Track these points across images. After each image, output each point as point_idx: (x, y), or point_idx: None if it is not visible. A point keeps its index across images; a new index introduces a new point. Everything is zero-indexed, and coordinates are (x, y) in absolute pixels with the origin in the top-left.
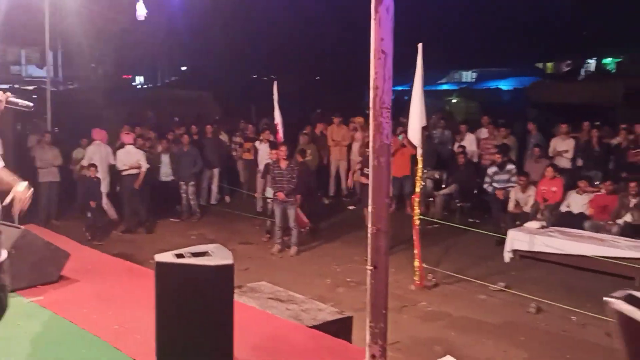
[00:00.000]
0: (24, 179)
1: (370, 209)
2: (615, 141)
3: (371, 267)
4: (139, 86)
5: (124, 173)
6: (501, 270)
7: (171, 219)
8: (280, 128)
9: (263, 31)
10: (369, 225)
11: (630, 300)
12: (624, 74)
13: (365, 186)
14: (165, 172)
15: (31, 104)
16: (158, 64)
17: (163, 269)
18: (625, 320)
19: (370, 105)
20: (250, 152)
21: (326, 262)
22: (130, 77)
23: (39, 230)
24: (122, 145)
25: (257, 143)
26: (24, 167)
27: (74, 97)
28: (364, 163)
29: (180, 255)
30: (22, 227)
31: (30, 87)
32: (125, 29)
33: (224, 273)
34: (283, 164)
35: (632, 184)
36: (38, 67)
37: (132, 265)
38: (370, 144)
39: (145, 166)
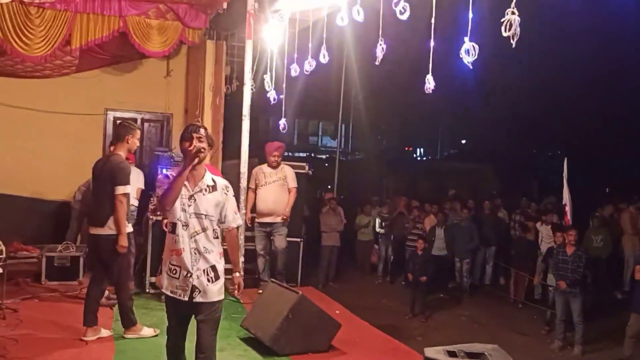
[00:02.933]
0: None
1: None
2: None
3: None
4: (419, 158)
5: None
6: None
7: (441, 295)
8: (568, 209)
9: (554, 104)
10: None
11: None
12: None
13: None
14: (439, 246)
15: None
16: (438, 137)
17: None
18: None
19: None
20: (530, 232)
21: None
22: (410, 148)
23: (315, 295)
24: None
25: (538, 224)
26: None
27: (359, 167)
28: None
29: (452, 354)
30: (300, 292)
31: (324, 156)
32: (410, 104)
33: None
34: (569, 250)
35: None
36: (332, 138)
37: (398, 345)
38: None
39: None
